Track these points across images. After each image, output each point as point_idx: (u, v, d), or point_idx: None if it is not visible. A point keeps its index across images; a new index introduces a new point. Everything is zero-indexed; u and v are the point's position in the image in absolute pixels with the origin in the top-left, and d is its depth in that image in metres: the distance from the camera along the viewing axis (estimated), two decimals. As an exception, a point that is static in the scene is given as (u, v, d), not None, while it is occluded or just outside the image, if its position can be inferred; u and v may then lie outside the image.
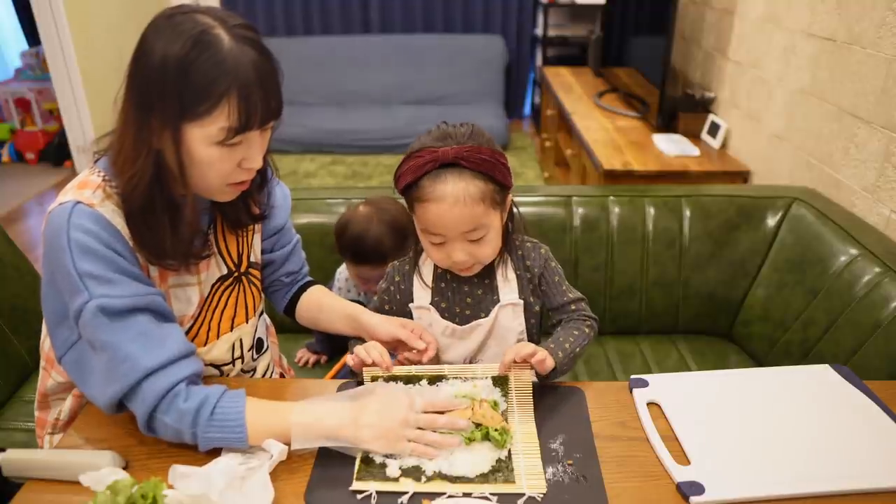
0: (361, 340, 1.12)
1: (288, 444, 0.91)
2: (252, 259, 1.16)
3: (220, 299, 1.09)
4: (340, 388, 1.10)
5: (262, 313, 1.23)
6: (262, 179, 1.11)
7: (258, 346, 1.20)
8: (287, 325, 1.43)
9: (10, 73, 4.99)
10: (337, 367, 1.68)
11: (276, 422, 0.92)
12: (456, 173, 0.98)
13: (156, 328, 0.94)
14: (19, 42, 5.16)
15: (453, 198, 0.97)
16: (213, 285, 1.08)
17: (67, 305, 0.92)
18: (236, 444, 0.92)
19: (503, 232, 1.08)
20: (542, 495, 0.88)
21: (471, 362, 1.15)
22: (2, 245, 1.63)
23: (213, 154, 0.91)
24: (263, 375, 1.23)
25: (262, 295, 1.23)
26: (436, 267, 1.14)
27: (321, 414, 0.93)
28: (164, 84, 0.86)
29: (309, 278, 1.31)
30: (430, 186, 0.98)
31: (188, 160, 0.92)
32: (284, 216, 1.22)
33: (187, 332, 1.05)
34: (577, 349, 1.07)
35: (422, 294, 1.14)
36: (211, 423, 0.91)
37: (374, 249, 1.53)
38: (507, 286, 1.12)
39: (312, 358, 1.78)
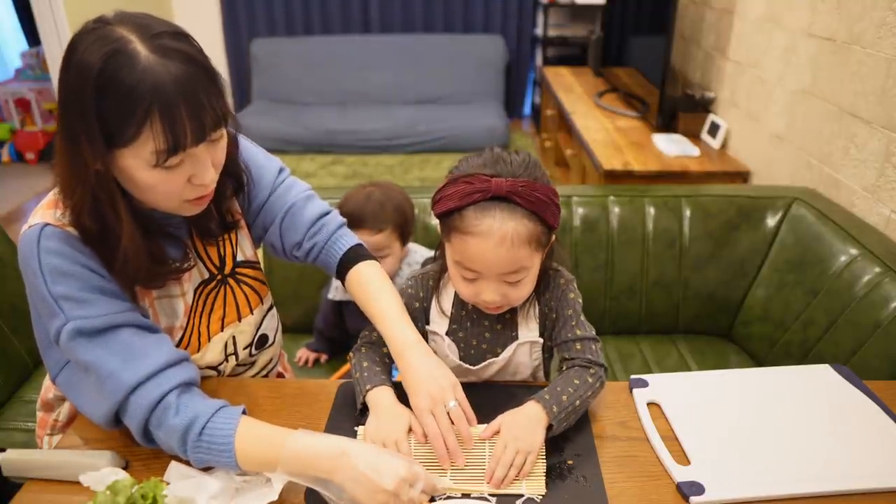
0: (372, 345, 1.08)
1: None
2: (240, 258, 1.11)
3: (205, 303, 1.06)
4: (341, 389, 1.10)
5: (269, 309, 1.18)
6: (237, 184, 1.07)
7: (261, 342, 1.17)
8: (287, 324, 1.43)
9: (10, 73, 4.99)
10: (343, 369, 1.67)
11: (268, 452, 0.86)
12: (507, 210, 0.89)
13: (138, 342, 0.91)
14: (19, 42, 5.16)
15: (500, 237, 0.89)
16: (195, 290, 1.05)
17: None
18: (226, 466, 0.88)
19: (539, 271, 1.01)
20: (540, 497, 0.88)
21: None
22: (2, 245, 1.63)
23: (153, 177, 0.85)
24: (263, 369, 1.21)
25: (267, 290, 1.18)
26: (457, 294, 1.08)
27: (314, 452, 0.85)
28: (84, 113, 0.80)
29: (340, 245, 1.14)
30: (476, 219, 0.90)
31: (130, 185, 0.87)
32: (264, 193, 1.12)
33: (179, 342, 1.03)
34: (577, 402, 0.95)
35: (438, 320, 1.09)
36: (199, 444, 0.87)
37: (375, 214, 1.52)
38: (528, 324, 1.06)
39: (312, 357, 1.78)
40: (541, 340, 1.07)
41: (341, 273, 1.13)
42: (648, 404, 1.05)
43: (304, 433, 0.87)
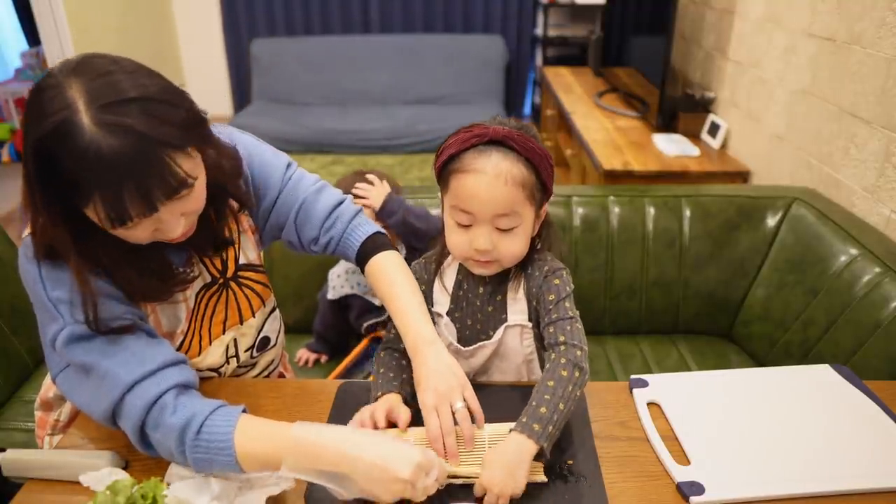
0: (390, 349, 1.09)
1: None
2: (242, 261, 1.10)
3: (206, 306, 1.06)
4: (341, 389, 1.10)
5: (272, 311, 1.17)
6: (241, 204, 1.06)
7: (262, 344, 1.16)
8: (287, 324, 1.42)
9: (10, 73, 4.99)
10: (341, 366, 1.67)
11: (270, 448, 0.84)
12: (502, 152, 0.95)
13: (135, 343, 0.90)
14: (19, 42, 5.16)
15: (494, 173, 0.93)
16: (197, 294, 1.04)
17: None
18: (227, 468, 0.85)
19: (531, 245, 1.03)
20: (539, 484, 0.88)
21: (477, 374, 1.13)
22: (2, 245, 1.63)
23: (116, 231, 0.84)
24: (264, 370, 1.21)
25: (270, 293, 1.17)
26: (458, 272, 1.10)
27: (321, 444, 0.83)
28: (34, 174, 0.80)
29: (358, 235, 1.13)
30: (473, 159, 0.95)
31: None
32: (273, 192, 1.11)
33: (180, 346, 1.03)
34: (560, 404, 0.91)
35: (441, 300, 1.11)
36: (197, 442, 0.85)
37: (350, 181, 1.62)
38: (516, 307, 1.07)
39: (312, 357, 1.78)
40: (529, 324, 1.07)
41: (361, 263, 1.12)
42: (648, 404, 1.05)
43: (301, 425, 0.85)
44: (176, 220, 0.87)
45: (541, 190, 0.99)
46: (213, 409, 0.88)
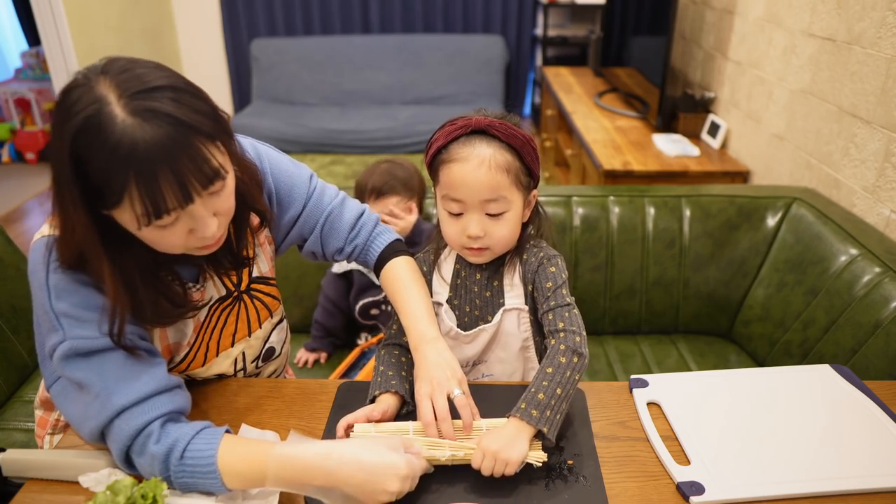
0: (390, 345, 1.11)
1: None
2: (256, 274, 1.09)
3: (217, 319, 1.05)
4: (341, 388, 1.10)
5: (279, 322, 1.17)
6: (262, 220, 1.05)
7: (267, 354, 1.16)
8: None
9: (10, 73, 4.99)
10: (342, 367, 1.67)
11: (253, 465, 0.84)
12: (486, 140, 0.99)
13: (131, 365, 0.89)
14: (19, 42, 5.16)
15: (479, 159, 0.98)
16: (210, 307, 1.03)
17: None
18: (213, 489, 0.84)
19: (521, 230, 1.07)
20: (540, 463, 0.89)
21: (476, 363, 1.14)
22: (2, 245, 1.63)
23: (147, 234, 0.83)
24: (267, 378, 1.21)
25: (279, 304, 1.16)
26: (455, 262, 1.13)
27: (302, 463, 0.83)
28: (65, 175, 0.78)
29: (378, 243, 1.17)
30: (459, 149, 0.99)
31: (127, 232, 0.85)
32: (298, 205, 1.12)
33: (185, 357, 1.02)
34: (559, 390, 0.93)
35: (440, 290, 1.13)
36: (182, 467, 0.84)
37: (404, 181, 1.67)
38: (513, 291, 1.09)
39: (311, 357, 1.78)
40: (526, 307, 1.09)
41: (378, 269, 1.16)
42: (648, 404, 1.05)
43: (285, 444, 0.86)
44: (210, 218, 0.86)
45: (526, 174, 1.02)
46: (196, 432, 0.87)
